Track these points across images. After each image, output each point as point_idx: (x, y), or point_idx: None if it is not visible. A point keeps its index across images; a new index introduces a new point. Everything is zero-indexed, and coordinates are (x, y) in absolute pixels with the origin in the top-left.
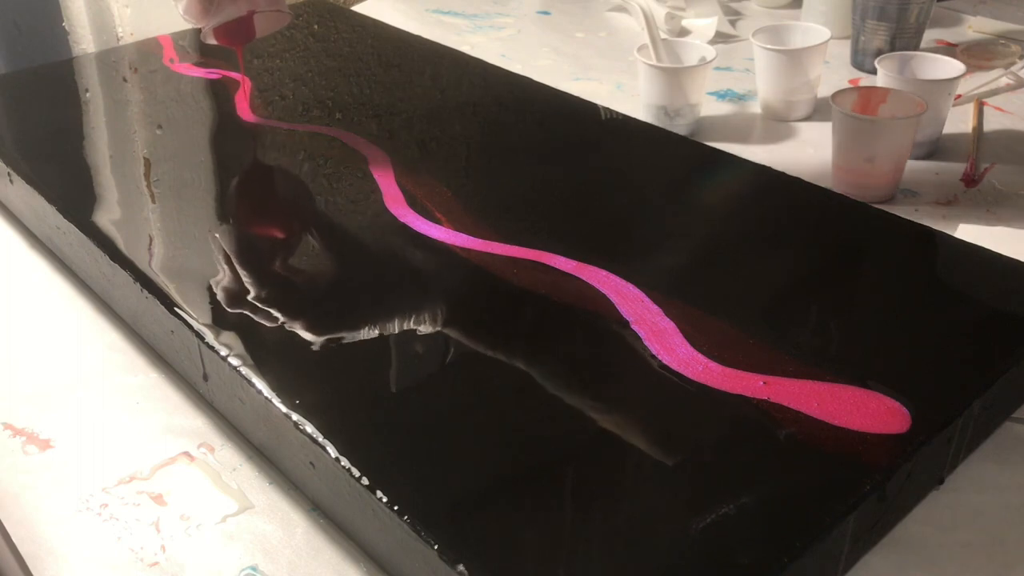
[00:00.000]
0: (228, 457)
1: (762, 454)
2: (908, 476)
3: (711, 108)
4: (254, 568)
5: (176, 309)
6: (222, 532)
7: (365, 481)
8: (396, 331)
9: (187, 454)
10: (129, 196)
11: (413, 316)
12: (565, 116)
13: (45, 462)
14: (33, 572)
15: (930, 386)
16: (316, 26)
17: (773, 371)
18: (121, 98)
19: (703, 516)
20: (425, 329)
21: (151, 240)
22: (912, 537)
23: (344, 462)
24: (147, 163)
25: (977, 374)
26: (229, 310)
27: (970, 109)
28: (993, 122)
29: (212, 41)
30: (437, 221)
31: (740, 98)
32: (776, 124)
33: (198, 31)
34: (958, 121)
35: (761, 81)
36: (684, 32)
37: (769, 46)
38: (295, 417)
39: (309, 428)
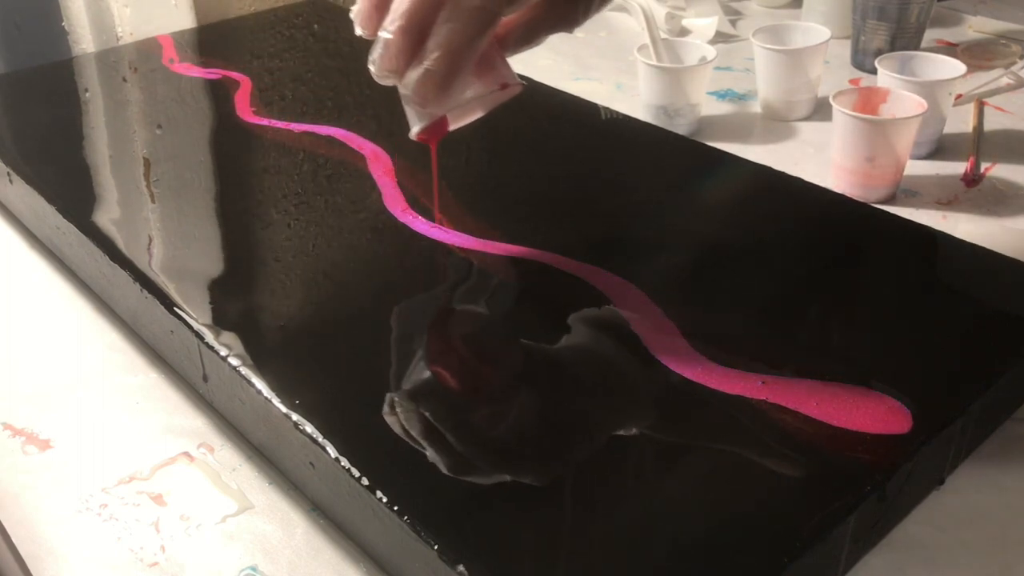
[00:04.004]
0: (228, 457)
1: (762, 454)
2: (908, 476)
3: (711, 108)
4: (254, 568)
5: (176, 309)
6: (222, 532)
7: (365, 481)
8: (396, 331)
9: (187, 454)
10: (129, 196)
11: (413, 316)
12: (565, 116)
13: (45, 462)
14: (33, 572)
15: (931, 386)
16: (316, 26)
17: (773, 371)
18: (121, 98)
19: (703, 516)
20: (425, 329)
21: (151, 240)
22: (912, 537)
23: (344, 462)
24: (147, 163)
25: (977, 374)
26: (229, 308)
27: (970, 109)
28: (993, 122)
29: (416, 137)
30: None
31: (740, 98)
32: (776, 124)
33: (196, 33)
34: (958, 121)
35: (761, 81)
36: (684, 32)
37: (769, 46)
38: (295, 417)
39: (309, 428)
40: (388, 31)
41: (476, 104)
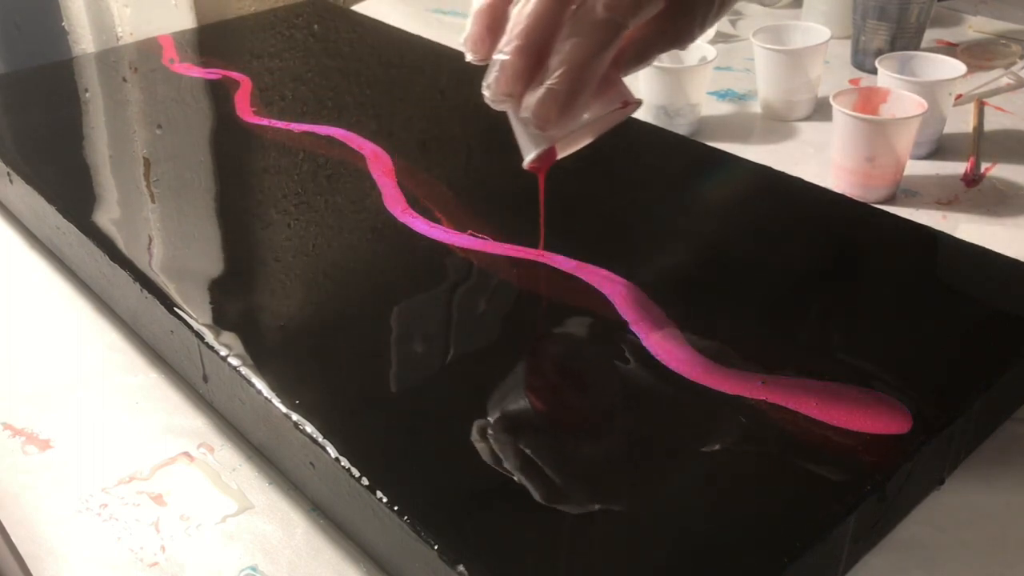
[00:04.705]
0: (228, 457)
1: (762, 454)
2: (908, 476)
3: (711, 108)
4: (254, 568)
5: (176, 309)
6: (222, 532)
7: (365, 481)
8: (396, 331)
9: (187, 454)
10: (129, 196)
11: (413, 316)
12: None
13: (45, 462)
14: (33, 572)
15: (930, 386)
16: (316, 26)
17: (772, 371)
18: (121, 98)
19: (703, 516)
20: (425, 329)
21: (151, 240)
22: (912, 537)
23: (344, 462)
24: (147, 163)
25: (977, 374)
26: (230, 309)
27: (970, 109)
28: (993, 122)
29: (528, 166)
30: (437, 221)
31: (740, 98)
32: (776, 124)
33: (196, 33)
34: (958, 121)
35: (761, 81)
36: None
37: (769, 46)
38: (295, 417)
39: (309, 428)
40: (505, 52)
41: (587, 129)
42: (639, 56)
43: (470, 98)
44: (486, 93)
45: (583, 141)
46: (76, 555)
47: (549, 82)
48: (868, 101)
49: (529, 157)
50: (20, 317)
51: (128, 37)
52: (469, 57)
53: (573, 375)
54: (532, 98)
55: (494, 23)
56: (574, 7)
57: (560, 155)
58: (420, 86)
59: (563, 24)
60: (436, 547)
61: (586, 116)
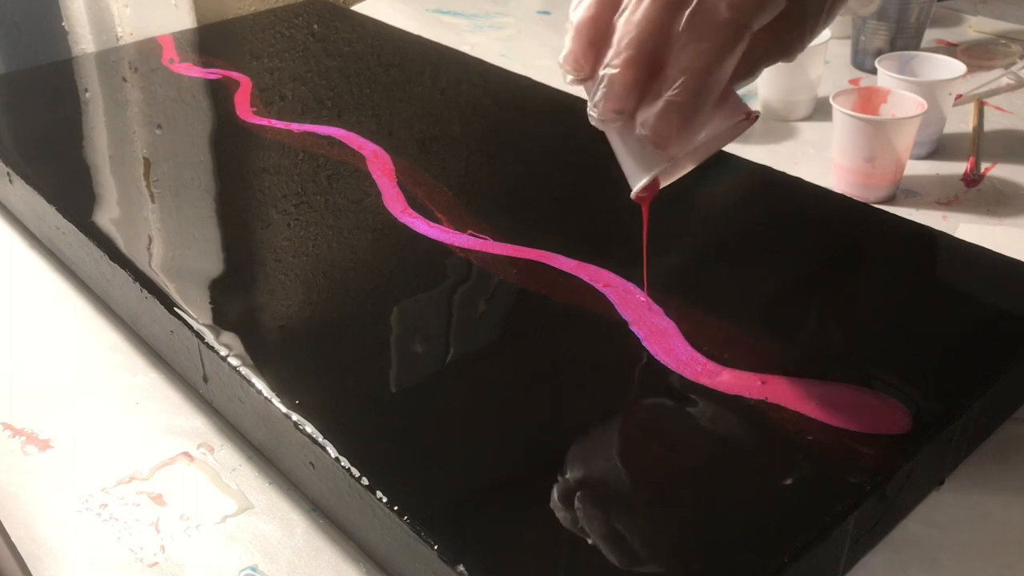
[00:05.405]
0: (228, 457)
1: (761, 454)
2: (908, 476)
3: None
4: (254, 568)
5: (176, 309)
6: (222, 532)
7: (365, 481)
8: (396, 331)
9: (187, 454)
10: (129, 196)
11: (413, 316)
12: (565, 116)
13: (45, 462)
14: (33, 572)
15: (930, 386)
16: (316, 26)
17: (772, 371)
18: (121, 98)
19: (703, 516)
20: (425, 329)
21: (151, 240)
22: (912, 537)
23: (344, 462)
24: (147, 163)
25: (977, 374)
26: (230, 308)
27: (970, 109)
28: (993, 122)
29: (636, 195)
30: (437, 221)
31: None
32: (776, 124)
33: (196, 33)
34: (958, 121)
35: (761, 81)
36: None
37: None
38: (295, 417)
39: (309, 428)
40: (614, 65)
41: (694, 150)
42: (752, 67)
43: (470, 98)
44: (592, 113)
45: (687, 166)
46: (76, 555)
47: (669, 94)
48: (868, 101)
49: (641, 183)
50: (20, 317)
51: (128, 37)
52: (569, 78)
53: (573, 376)
54: (649, 113)
55: (597, 36)
56: (689, 11)
57: (663, 184)
58: (420, 86)
59: (678, 30)
60: (436, 547)
61: (703, 133)
